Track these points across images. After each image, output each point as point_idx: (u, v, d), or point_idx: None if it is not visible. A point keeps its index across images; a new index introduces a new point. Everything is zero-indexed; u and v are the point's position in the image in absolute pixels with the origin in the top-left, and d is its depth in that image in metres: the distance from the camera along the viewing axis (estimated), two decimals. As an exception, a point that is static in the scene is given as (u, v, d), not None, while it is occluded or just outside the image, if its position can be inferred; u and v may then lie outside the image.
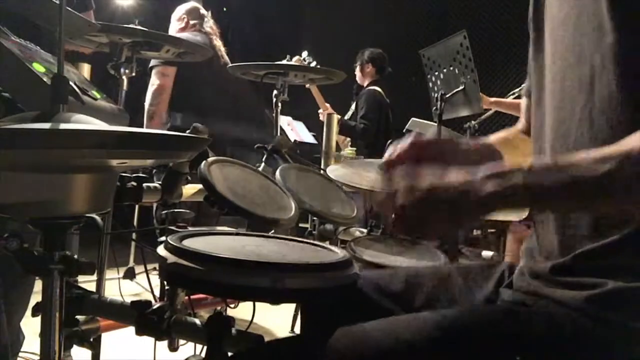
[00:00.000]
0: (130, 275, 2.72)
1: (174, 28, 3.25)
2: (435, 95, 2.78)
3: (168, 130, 3.06)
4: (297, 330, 2.71)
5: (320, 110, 4.16)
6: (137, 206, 3.12)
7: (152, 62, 2.94)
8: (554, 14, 0.92)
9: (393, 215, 0.76)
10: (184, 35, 3.09)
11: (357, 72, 4.38)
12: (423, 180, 0.74)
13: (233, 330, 0.92)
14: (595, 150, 0.69)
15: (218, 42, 3.21)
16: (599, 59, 0.79)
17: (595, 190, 0.68)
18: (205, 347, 0.95)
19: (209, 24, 3.23)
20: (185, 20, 3.24)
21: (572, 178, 0.68)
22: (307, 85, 3.78)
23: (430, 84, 2.93)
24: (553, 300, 0.82)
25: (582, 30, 0.83)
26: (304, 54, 3.89)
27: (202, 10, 3.28)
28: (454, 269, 1.05)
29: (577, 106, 0.83)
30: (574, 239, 0.82)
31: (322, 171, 1.70)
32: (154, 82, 2.96)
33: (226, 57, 3.21)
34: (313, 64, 3.87)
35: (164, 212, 1.26)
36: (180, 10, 3.29)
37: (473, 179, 0.72)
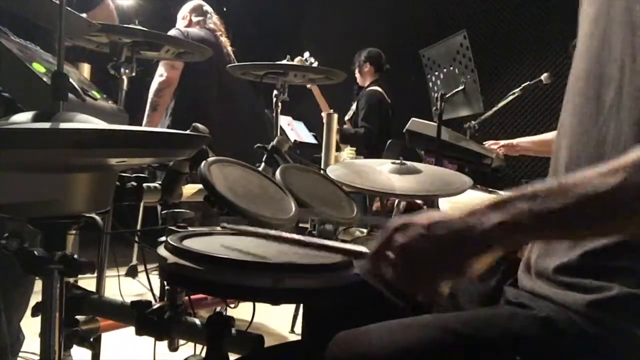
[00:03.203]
0: (132, 273, 2.73)
1: (179, 27, 3.26)
2: (435, 95, 2.78)
3: (167, 124, 3.06)
4: (298, 330, 2.71)
5: (323, 113, 4.16)
6: (142, 206, 3.12)
7: None
8: (585, 12, 0.91)
9: (390, 268, 0.72)
10: (188, 30, 3.09)
11: (357, 74, 4.39)
12: (420, 216, 0.71)
13: (233, 331, 0.92)
14: (600, 166, 0.66)
15: (224, 39, 3.22)
16: (629, 56, 0.78)
17: (607, 205, 0.64)
18: (205, 347, 0.95)
19: (213, 20, 3.24)
20: (189, 18, 3.25)
21: (580, 196, 0.64)
22: (308, 86, 3.77)
23: (430, 84, 2.93)
24: (556, 303, 0.81)
25: (612, 27, 0.82)
26: (306, 54, 3.89)
27: (206, 7, 3.28)
28: None
29: (605, 105, 0.81)
30: None
31: (322, 171, 1.69)
32: (162, 73, 2.96)
33: (232, 55, 3.21)
34: (315, 64, 3.87)
35: (164, 212, 1.26)
36: (184, 9, 3.30)
37: (474, 210, 0.69)
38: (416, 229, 0.71)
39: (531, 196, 0.67)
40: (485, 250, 0.71)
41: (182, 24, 3.27)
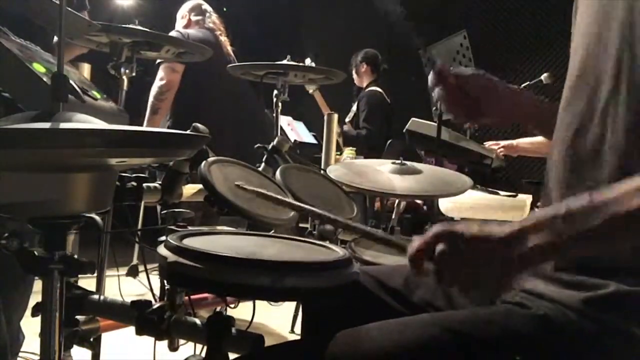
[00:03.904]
0: (133, 272, 2.73)
1: (178, 26, 3.26)
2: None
3: (168, 125, 3.06)
4: (297, 330, 2.71)
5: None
6: (142, 206, 3.12)
7: None
8: (581, 8, 0.91)
9: (429, 266, 0.74)
10: (188, 31, 3.09)
11: (354, 75, 4.39)
12: (464, 227, 0.72)
13: (233, 330, 0.92)
14: (626, 181, 0.67)
15: (223, 38, 3.21)
16: (627, 50, 0.78)
17: (636, 222, 0.66)
18: (205, 347, 0.95)
19: (212, 19, 3.23)
20: (188, 17, 3.24)
21: (613, 215, 0.66)
22: (310, 91, 3.77)
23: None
24: (553, 301, 0.81)
25: (609, 24, 0.82)
26: (307, 60, 3.90)
27: (205, 6, 3.28)
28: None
29: (600, 98, 0.82)
30: None
31: (322, 171, 1.70)
32: (162, 76, 2.95)
33: (232, 55, 3.21)
34: None
35: (164, 212, 1.26)
36: (183, 8, 3.30)
37: (512, 231, 0.70)
38: (456, 240, 0.72)
39: (566, 216, 0.68)
40: (521, 270, 0.72)
41: (181, 23, 3.26)
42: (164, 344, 1.05)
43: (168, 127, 3.05)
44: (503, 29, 4.98)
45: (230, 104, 3.08)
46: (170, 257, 0.85)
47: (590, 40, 0.86)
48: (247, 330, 0.94)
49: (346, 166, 1.82)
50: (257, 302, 1.06)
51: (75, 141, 0.75)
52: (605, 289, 0.76)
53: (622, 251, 0.73)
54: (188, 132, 1.23)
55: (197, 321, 0.99)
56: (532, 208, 2.51)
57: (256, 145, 1.64)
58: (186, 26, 3.23)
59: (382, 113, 4.20)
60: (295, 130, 4.34)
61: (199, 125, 1.29)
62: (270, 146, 1.62)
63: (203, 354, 0.97)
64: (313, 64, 3.78)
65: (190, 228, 1.16)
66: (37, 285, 1.04)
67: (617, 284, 0.76)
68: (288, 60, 2.48)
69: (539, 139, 2.83)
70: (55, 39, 1.29)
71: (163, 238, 0.97)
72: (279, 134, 2.46)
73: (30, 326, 1.71)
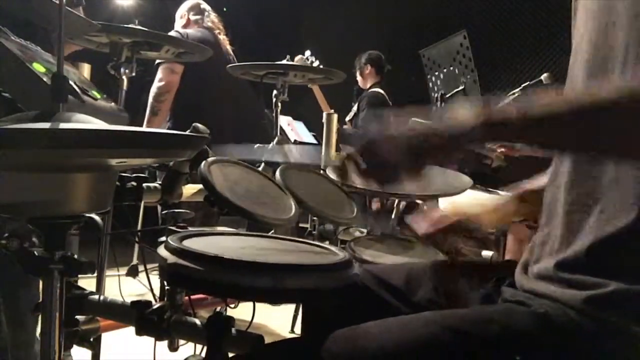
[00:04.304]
0: (133, 272, 2.73)
1: (177, 26, 3.26)
2: (435, 95, 2.78)
3: (169, 127, 3.06)
4: (297, 330, 2.71)
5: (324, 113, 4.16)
6: (142, 206, 3.12)
7: None
8: (582, 4, 0.91)
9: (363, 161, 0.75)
10: (187, 31, 3.09)
11: (358, 77, 4.40)
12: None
13: (233, 331, 0.92)
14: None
15: (222, 37, 3.21)
16: (633, 42, 0.77)
17: (594, 118, 0.65)
18: (205, 347, 0.95)
19: (210, 18, 3.23)
20: (187, 17, 3.24)
21: (580, 104, 0.65)
22: (309, 84, 3.78)
23: (430, 84, 2.94)
24: (553, 300, 0.81)
25: (615, 12, 0.81)
26: (307, 53, 3.89)
27: (204, 5, 3.28)
28: (454, 267, 1.05)
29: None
30: (580, 226, 0.81)
31: (322, 171, 1.70)
32: (161, 78, 2.95)
33: (232, 54, 3.20)
34: (316, 63, 3.87)
35: (164, 212, 1.26)
36: (182, 8, 3.30)
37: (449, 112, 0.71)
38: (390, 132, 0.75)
39: (522, 101, 0.68)
40: (466, 140, 0.73)
41: (180, 22, 3.26)
42: (164, 344, 1.05)
43: (168, 128, 3.05)
44: (503, 29, 4.98)
45: (230, 103, 3.08)
46: (170, 258, 0.85)
47: (593, 32, 0.85)
48: (247, 331, 0.94)
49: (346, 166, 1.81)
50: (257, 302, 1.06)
51: (75, 141, 0.75)
52: (606, 288, 0.76)
53: (596, 154, 0.72)
54: (188, 132, 1.23)
55: (197, 321, 0.99)
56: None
57: (256, 146, 1.64)
58: (185, 26, 3.23)
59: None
60: (295, 130, 4.34)
61: (199, 125, 1.29)
62: (270, 146, 1.62)
63: (203, 354, 0.97)
64: (313, 58, 3.78)
65: (190, 229, 1.16)
66: (37, 285, 1.04)
67: (618, 283, 0.76)
68: (287, 60, 2.48)
69: None
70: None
71: (163, 239, 0.97)
72: (278, 134, 2.45)
73: (30, 326, 1.71)
